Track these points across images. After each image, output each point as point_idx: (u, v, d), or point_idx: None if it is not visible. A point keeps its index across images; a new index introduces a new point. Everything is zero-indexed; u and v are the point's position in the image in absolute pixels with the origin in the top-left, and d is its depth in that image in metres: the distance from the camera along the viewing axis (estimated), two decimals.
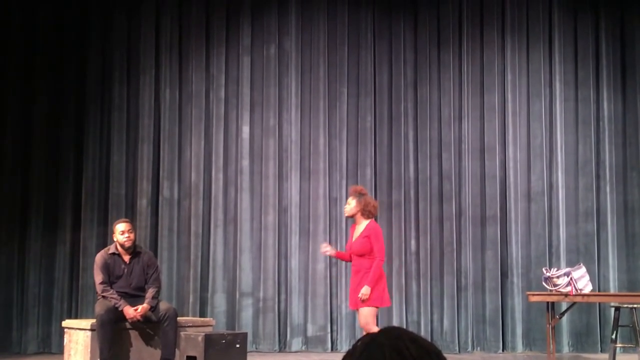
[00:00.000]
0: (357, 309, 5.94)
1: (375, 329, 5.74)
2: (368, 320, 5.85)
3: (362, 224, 5.98)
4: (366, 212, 5.99)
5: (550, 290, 7.03)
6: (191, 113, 9.01)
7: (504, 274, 8.89)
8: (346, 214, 6.10)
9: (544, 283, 7.10)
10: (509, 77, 9.13)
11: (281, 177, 8.98)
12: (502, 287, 8.86)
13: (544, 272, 7.12)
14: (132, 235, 6.46)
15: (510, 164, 8.99)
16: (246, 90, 9.02)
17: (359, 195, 6.04)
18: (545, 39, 9.24)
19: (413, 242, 8.96)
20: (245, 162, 8.96)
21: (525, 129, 9.09)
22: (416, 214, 9.01)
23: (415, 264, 8.95)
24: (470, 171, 8.97)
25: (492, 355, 8.59)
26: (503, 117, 9.08)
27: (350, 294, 6.07)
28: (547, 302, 7.11)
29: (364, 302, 5.84)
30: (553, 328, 7.11)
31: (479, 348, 8.84)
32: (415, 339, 1.05)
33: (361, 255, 5.94)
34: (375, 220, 6.16)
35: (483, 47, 9.19)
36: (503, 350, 8.78)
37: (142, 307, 6.34)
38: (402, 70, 9.12)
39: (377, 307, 5.91)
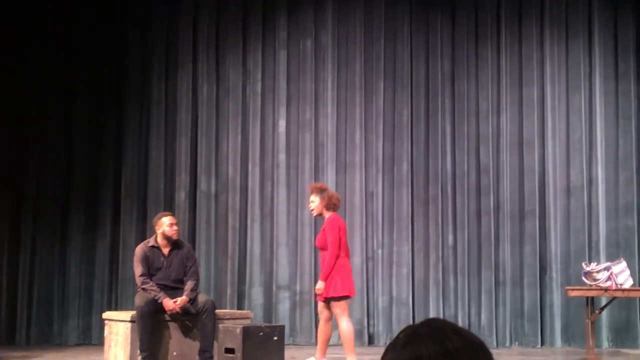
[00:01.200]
0: (323, 301, 6.16)
1: (345, 320, 6.04)
2: (336, 311, 6.09)
3: (326, 218, 6.19)
4: (331, 205, 6.19)
5: (590, 285, 6.96)
6: (228, 107, 9.06)
7: (543, 269, 8.81)
8: (313, 214, 6.26)
9: (583, 278, 7.04)
10: (547, 70, 9.04)
11: (317, 171, 9.00)
12: (540, 282, 8.79)
13: (584, 266, 7.06)
14: (177, 228, 6.51)
15: (549, 158, 8.90)
16: (282, 84, 9.04)
17: (320, 191, 6.20)
18: (585, 32, 9.12)
19: (450, 236, 8.92)
20: (282, 156, 9.01)
21: (564, 123, 8.99)
22: (453, 209, 8.96)
23: (453, 258, 8.90)
24: (509, 165, 8.91)
25: (531, 350, 8.54)
26: (542, 111, 9.00)
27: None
28: (587, 297, 7.05)
29: (320, 295, 6.08)
30: (592, 323, 7.04)
31: (517, 343, 8.79)
32: (457, 330, 1.05)
33: (322, 249, 6.15)
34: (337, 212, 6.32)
35: (521, 41, 9.10)
36: (542, 346, 8.71)
37: (181, 299, 6.38)
38: (439, 64, 9.07)
39: (346, 298, 6.12)
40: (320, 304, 6.30)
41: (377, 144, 9.03)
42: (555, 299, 8.73)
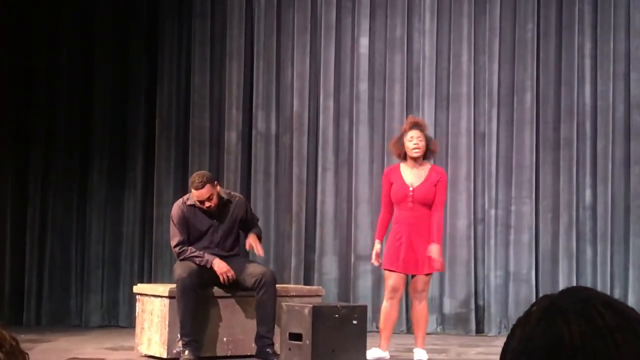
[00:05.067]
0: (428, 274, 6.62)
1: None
2: (428, 288, 6.74)
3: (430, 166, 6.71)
4: (432, 153, 6.70)
5: None
6: (293, 21, 9.06)
7: None
8: (418, 154, 6.60)
9: None
10: None
11: (410, 106, 8.97)
12: None
13: None
14: (214, 201, 6.52)
15: None
16: None
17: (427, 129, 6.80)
18: None
19: (588, 192, 8.83)
20: (363, 86, 9.02)
21: None
22: (593, 155, 8.85)
23: (591, 221, 8.81)
24: None
25: None
26: None
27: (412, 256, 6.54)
28: None
29: (433, 266, 6.51)
30: None
31: None
32: (609, 302, 1.05)
33: (426, 205, 6.56)
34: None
35: None
36: None
37: (254, 240, 6.58)
38: None
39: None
40: (400, 277, 6.56)
41: (490, 69, 8.93)
42: None
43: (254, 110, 9.00)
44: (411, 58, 9.00)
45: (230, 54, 9.03)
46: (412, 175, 6.51)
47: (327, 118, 9.00)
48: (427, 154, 6.60)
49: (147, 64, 9.08)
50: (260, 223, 8.60)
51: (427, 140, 6.58)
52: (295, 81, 9.02)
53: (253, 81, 9.03)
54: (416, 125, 6.58)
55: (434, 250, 6.39)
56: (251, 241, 6.57)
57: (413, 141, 6.49)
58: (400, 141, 6.60)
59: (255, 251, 6.65)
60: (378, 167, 8.93)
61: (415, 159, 6.51)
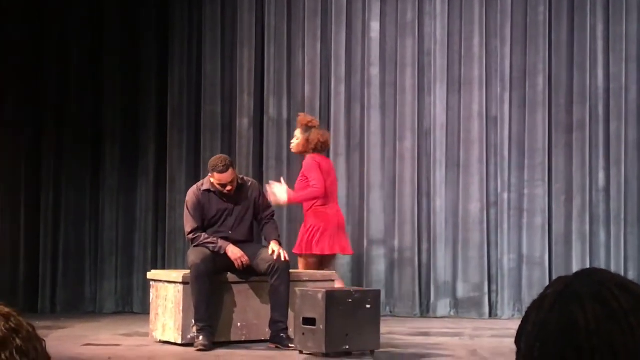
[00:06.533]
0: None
1: None
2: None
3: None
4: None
5: None
6: (304, 6, 9.05)
7: None
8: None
9: None
10: None
11: (422, 90, 8.98)
12: None
13: None
14: (234, 185, 6.51)
15: None
16: None
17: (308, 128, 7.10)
18: None
19: (601, 174, 8.84)
20: (375, 71, 9.00)
21: None
22: (606, 138, 8.84)
23: (604, 204, 8.81)
24: None
25: None
26: None
27: None
28: None
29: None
30: None
31: None
32: (624, 284, 1.05)
33: None
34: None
35: None
36: None
37: (274, 244, 6.53)
38: None
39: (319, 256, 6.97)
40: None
41: (502, 51, 8.93)
42: None
43: (265, 96, 9.00)
44: (422, 42, 8.98)
45: (241, 40, 9.02)
46: None
47: (338, 103, 9.00)
48: (307, 148, 7.03)
49: (158, 50, 9.08)
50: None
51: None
52: (307, 66, 9.00)
53: (264, 67, 9.02)
54: (297, 124, 7.20)
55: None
56: (273, 247, 6.49)
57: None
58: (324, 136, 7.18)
59: (281, 257, 6.48)
60: (390, 152, 8.97)
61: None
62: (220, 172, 6.42)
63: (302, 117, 7.27)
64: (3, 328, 1.31)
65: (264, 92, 9.01)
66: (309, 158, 7.00)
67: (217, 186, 6.49)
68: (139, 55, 9.10)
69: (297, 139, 7.06)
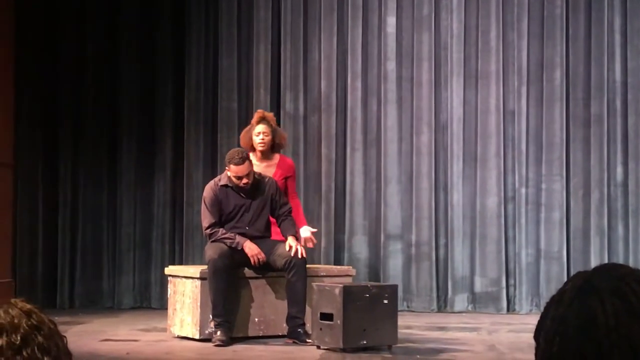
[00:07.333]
0: None
1: None
2: None
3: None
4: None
5: None
6: (320, 1, 9.02)
7: None
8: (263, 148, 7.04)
9: None
10: None
11: (438, 84, 8.98)
12: None
13: None
14: (250, 178, 6.51)
15: None
16: None
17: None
18: None
19: (619, 169, 8.80)
20: (391, 65, 8.99)
21: None
22: (624, 132, 8.80)
23: (623, 198, 8.77)
24: None
25: None
26: None
27: None
28: None
29: None
30: None
31: None
32: None
33: None
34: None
35: None
36: None
37: (291, 239, 6.51)
38: None
39: None
40: None
41: (519, 45, 8.90)
42: None
43: (281, 91, 9.00)
44: (439, 36, 8.95)
45: (257, 36, 9.02)
46: (259, 168, 6.81)
47: (355, 98, 8.99)
48: (275, 147, 6.98)
49: (174, 47, 9.09)
50: None
51: (273, 134, 6.92)
52: (323, 61, 8.99)
53: (280, 62, 9.01)
54: (263, 120, 6.93)
55: (307, 232, 6.85)
56: (291, 243, 6.47)
57: (260, 136, 6.85)
58: (248, 134, 6.95)
59: (298, 253, 6.45)
60: (407, 146, 8.96)
61: (262, 152, 6.91)
62: (237, 164, 6.43)
63: (270, 114, 7.16)
64: (25, 325, 1.32)
65: (280, 87, 9.02)
66: (288, 160, 7.21)
67: (233, 179, 6.49)
68: (155, 52, 9.11)
69: (268, 135, 6.92)
